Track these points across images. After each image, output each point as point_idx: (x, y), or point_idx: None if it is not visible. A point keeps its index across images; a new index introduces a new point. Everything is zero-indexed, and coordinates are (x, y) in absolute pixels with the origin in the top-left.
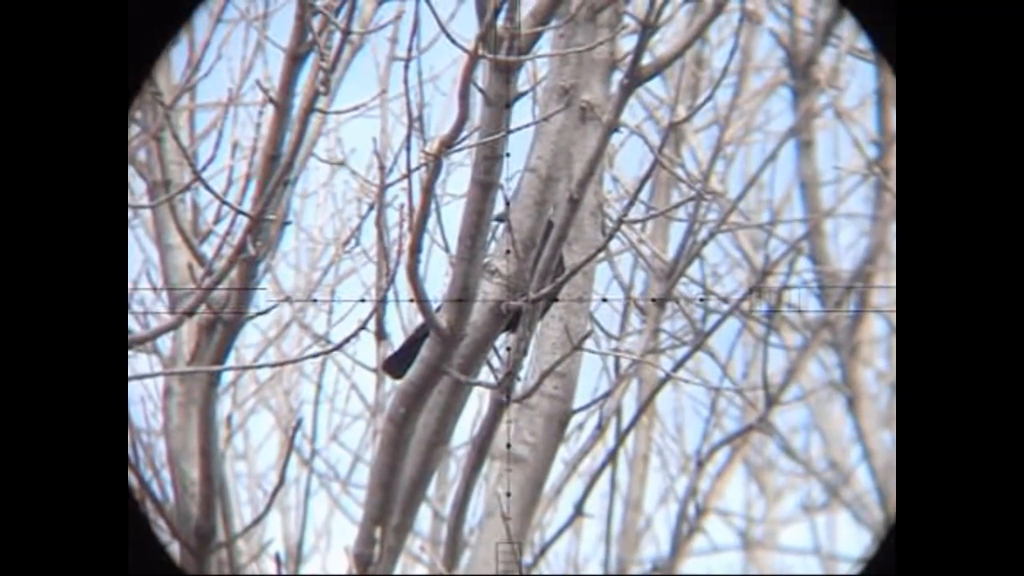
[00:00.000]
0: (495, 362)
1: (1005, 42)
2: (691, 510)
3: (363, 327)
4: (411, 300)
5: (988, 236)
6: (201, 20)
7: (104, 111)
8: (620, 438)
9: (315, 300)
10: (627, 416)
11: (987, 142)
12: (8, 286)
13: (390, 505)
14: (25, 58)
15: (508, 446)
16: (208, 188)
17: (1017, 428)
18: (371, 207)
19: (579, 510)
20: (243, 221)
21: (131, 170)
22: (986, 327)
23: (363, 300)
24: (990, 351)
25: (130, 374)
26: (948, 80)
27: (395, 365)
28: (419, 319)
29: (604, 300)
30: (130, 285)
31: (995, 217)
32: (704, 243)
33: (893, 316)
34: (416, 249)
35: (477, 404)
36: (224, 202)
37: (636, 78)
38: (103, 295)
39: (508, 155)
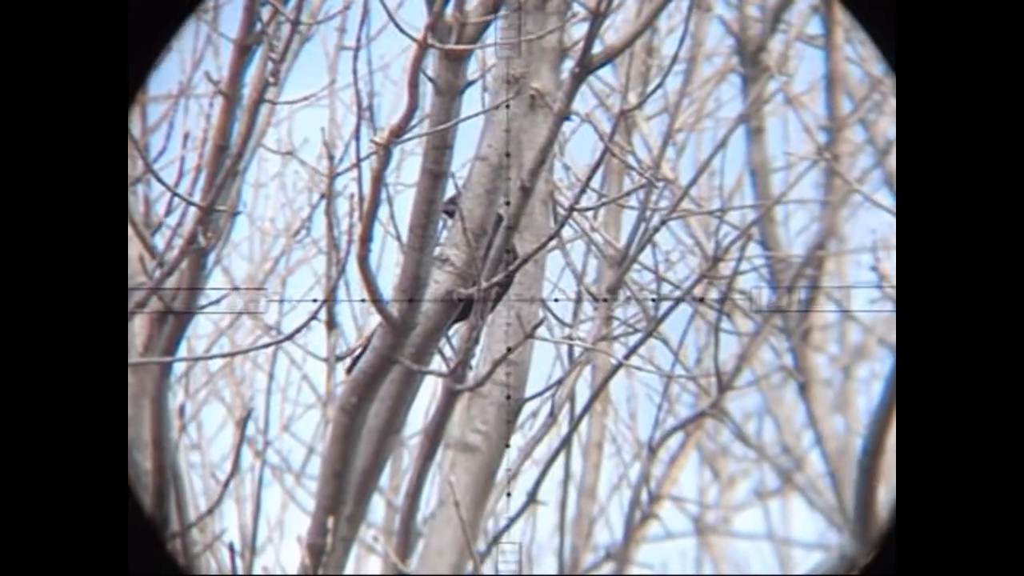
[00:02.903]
0: (447, 351)
1: (1005, 42)
2: (644, 497)
3: (313, 317)
4: (361, 300)
5: (988, 237)
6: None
7: (104, 111)
8: (573, 425)
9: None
10: (580, 403)
11: (987, 142)
12: (6, 286)
13: (343, 495)
14: (25, 58)
15: (507, 445)
16: (159, 180)
17: (1017, 428)
18: (321, 197)
19: (532, 498)
20: (194, 212)
21: None
22: (986, 328)
23: (314, 300)
24: (990, 351)
25: None
26: (948, 80)
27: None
28: (370, 309)
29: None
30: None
31: (995, 217)
32: (656, 230)
33: (844, 301)
34: (367, 239)
35: (431, 393)
36: (175, 193)
37: (586, 66)
38: (101, 295)
39: (509, 155)
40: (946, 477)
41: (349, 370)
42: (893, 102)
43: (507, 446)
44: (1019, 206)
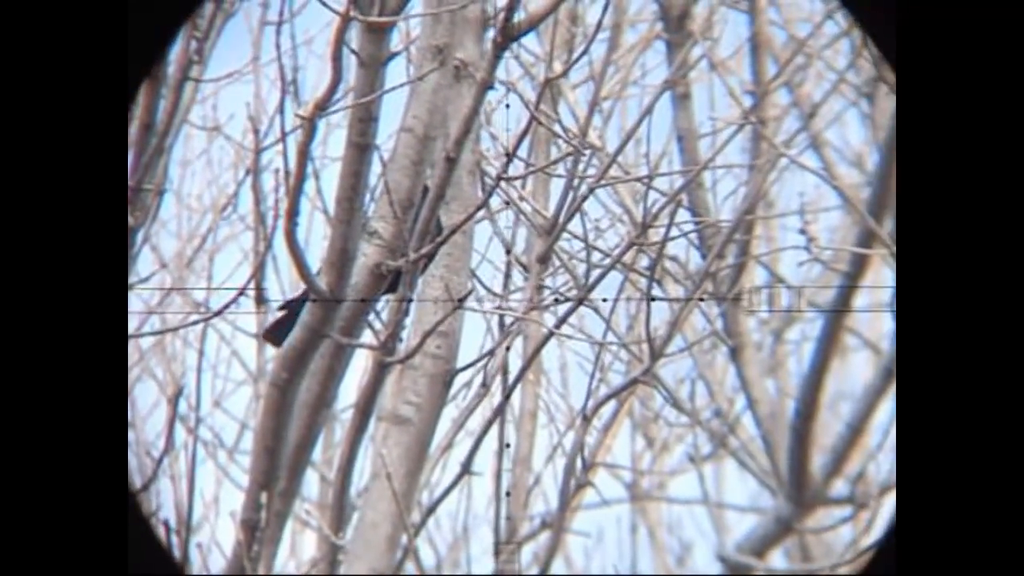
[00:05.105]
0: (377, 324)
1: (1007, 42)
2: (579, 465)
3: (242, 293)
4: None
5: (989, 238)
6: None
7: (104, 110)
8: (506, 395)
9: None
10: (512, 373)
11: (989, 143)
12: (6, 285)
13: (276, 470)
14: (24, 58)
15: (504, 446)
16: None
17: (1017, 428)
18: (247, 172)
19: (467, 469)
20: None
21: None
22: (986, 328)
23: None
24: (989, 350)
25: None
26: (948, 80)
27: (276, 334)
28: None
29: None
30: None
31: (996, 218)
32: (584, 198)
33: (772, 265)
34: (293, 213)
35: (362, 366)
36: None
37: (508, 35)
38: (101, 293)
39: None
40: (946, 477)
41: (266, 334)
42: (818, 64)
43: (505, 446)
44: (1021, 207)
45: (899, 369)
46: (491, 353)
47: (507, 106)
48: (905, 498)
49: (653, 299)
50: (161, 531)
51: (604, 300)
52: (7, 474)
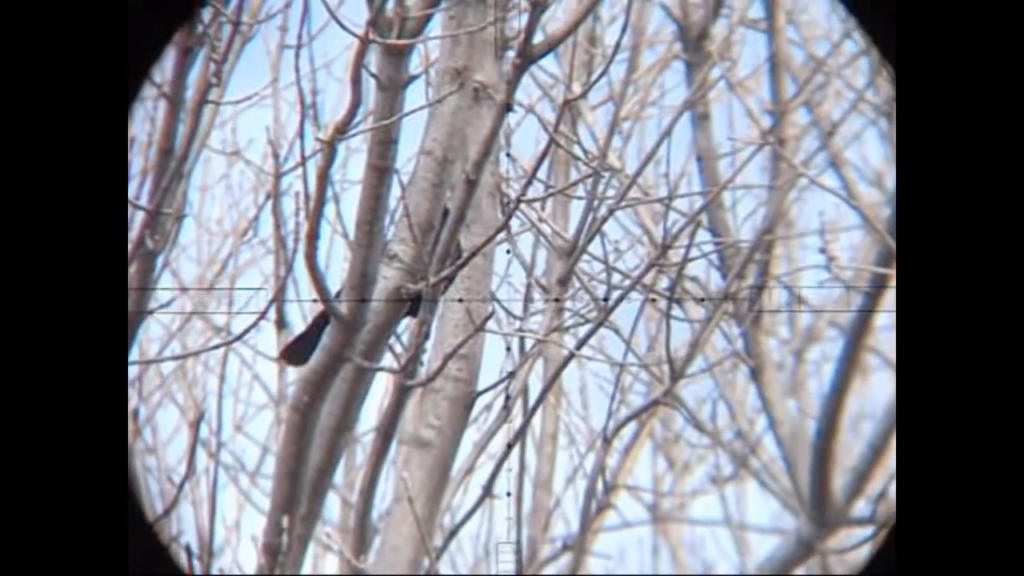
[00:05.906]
0: (398, 347)
1: (1006, 42)
2: (600, 487)
3: (262, 317)
4: (313, 300)
5: (989, 239)
6: None
7: (104, 112)
8: (527, 418)
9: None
10: (533, 396)
11: (988, 143)
12: (6, 287)
13: (297, 494)
14: (24, 58)
15: (508, 446)
16: None
17: (1017, 428)
18: (267, 197)
19: (488, 491)
20: (141, 216)
21: None
22: (986, 330)
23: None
24: (990, 351)
25: None
26: (948, 81)
27: (293, 353)
28: (319, 306)
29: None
30: None
31: (996, 219)
32: (604, 220)
33: (794, 287)
34: (313, 236)
35: (383, 389)
36: None
37: (527, 57)
38: (101, 297)
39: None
40: (946, 477)
41: (283, 354)
42: (837, 83)
43: (509, 447)
44: (1021, 208)
45: (899, 370)
46: (512, 375)
47: (509, 108)
48: (905, 498)
49: (672, 317)
50: (183, 556)
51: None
52: (7, 476)
